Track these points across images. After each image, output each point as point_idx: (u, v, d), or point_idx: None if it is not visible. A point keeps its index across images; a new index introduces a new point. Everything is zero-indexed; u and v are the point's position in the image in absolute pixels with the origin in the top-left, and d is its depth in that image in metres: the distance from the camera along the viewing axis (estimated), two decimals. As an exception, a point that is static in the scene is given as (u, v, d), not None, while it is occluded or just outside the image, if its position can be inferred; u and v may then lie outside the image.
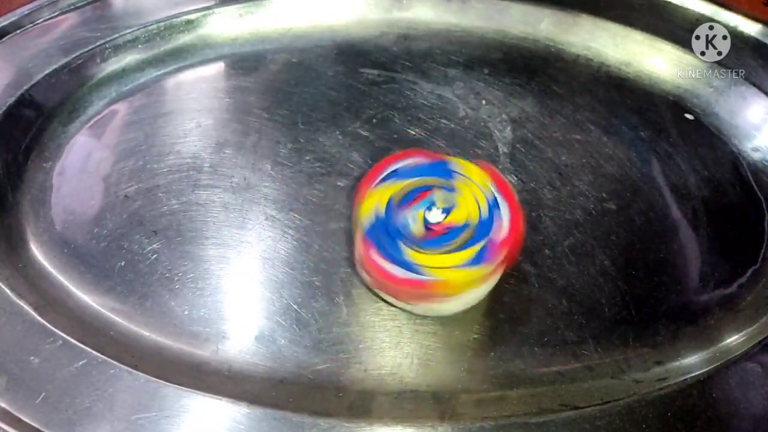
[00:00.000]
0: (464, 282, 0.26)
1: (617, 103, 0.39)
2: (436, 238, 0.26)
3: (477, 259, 0.26)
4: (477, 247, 0.26)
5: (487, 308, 0.29)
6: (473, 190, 0.27)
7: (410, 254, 0.26)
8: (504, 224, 0.27)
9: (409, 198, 0.27)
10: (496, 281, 0.28)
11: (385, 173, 0.28)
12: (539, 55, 0.42)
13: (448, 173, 0.28)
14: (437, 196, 0.27)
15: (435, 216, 0.27)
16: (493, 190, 0.28)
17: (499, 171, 0.29)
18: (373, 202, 0.27)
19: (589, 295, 0.30)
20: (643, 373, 0.27)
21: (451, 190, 0.27)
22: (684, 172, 0.36)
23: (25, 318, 0.27)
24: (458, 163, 0.28)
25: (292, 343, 0.28)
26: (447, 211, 0.27)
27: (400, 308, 0.29)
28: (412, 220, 0.27)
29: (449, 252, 0.26)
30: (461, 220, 0.27)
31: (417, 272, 0.26)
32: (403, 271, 0.26)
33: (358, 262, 0.28)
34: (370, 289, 0.29)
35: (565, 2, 0.43)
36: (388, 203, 0.27)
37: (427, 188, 0.28)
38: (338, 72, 0.40)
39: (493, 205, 0.27)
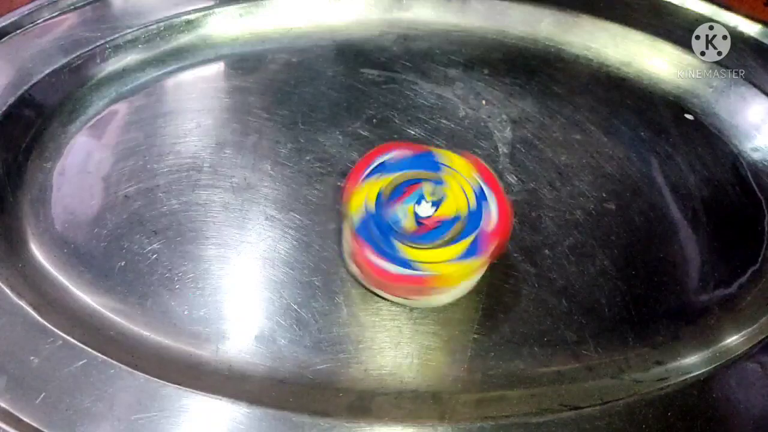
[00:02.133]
0: (460, 274, 0.26)
1: (617, 103, 0.39)
2: (428, 232, 0.27)
3: (470, 252, 0.26)
4: (469, 240, 0.26)
5: (487, 308, 0.29)
6: (460, 182, 0.28)
7: (404, 250, 0.26)
8: (493, 214, 0.27)
9: (397, 192, 0.28)
10: (485, 270, 0.29)
11: (371, 167, 0.28)
12: (539, 55, 0.42)
13: (435, 165, 0.28)
14: (426, 188, 0.28)
15: (425, 210, 0.27)
16: (479, 180, 0.28)
17: (483, 162, 0.29)
18: (362, 198, 0.27)
19: (589, 295, 0.30)
20: (643, 373, 0.27)
21: (439, 182, 0.28)
22: (684, 172, 0.36)
23: (25, 318, 0.27)
24: (443, 155, 0.29)
25: (292, 343, 0.28)
26: (436, 204, 0.27)
27: (395, 302, 0.29)
28: (403, 214, 0.27)
29: (442, 246, 0.26)
30: (451, 213, 0.27)
31: (413, 268, 0.26)
32: (399, 268, 0.26)
33: (349, 255, 0.29)
34: (366, 288, 0.29)
35: (565, 2, 0.43)
36: (378, 198, 0.27)
37: (415, 181, 0.28)
38: (338, 72, 0.40)
39: (481, 196, 0.27)
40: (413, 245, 0.26)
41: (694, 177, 0.35)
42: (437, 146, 0.36)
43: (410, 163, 0.28)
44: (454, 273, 0.26)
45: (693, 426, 0.25)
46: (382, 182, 0.28)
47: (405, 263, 0.26)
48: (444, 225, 0.27)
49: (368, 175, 0.28)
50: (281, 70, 0.40)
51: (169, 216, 0.32)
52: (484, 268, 0.28)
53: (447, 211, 0.27)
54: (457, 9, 0.44)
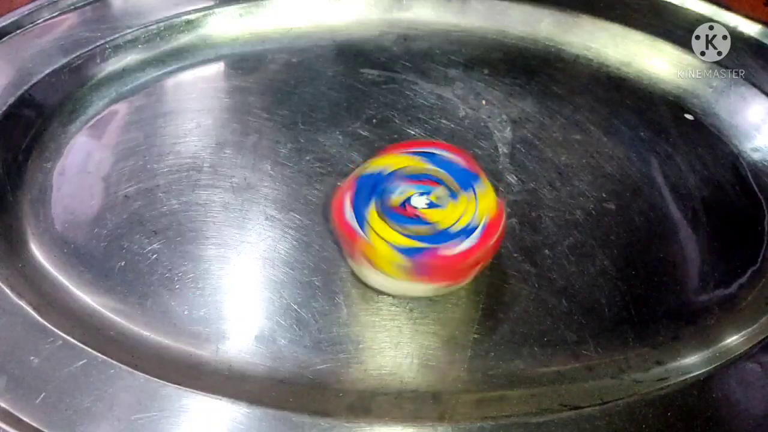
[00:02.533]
0: (385, 257, 0.26)
1: (617, 103, 0.39)
2: (402, 216, 0.27)
3: (410, 252, 0.26)
4: (419, 245, 0.26)
5: (487, 308, 0.29)
6: (468, 209, 0.27)
7: (370, 213, 0.27)
8: (458, 248, 0.26)
9: (416, 177, 0.28)
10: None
11: (423, 149, 0.29)
12: (539, 55, 0.42)
13: (469, 185, 0.28)
14: (438, 191, 0.27)
15: (419, 202, 0.27)
16: (484, 221, 0.27)
17: (504, 210, 0.28)
18: (389, 161, 0.28)
19: (589, 295, 0.30)
20: (643, 373, 0.27)
21: (454, 196, 0.27)
22: (684, 172, 0.36)
23: (25, 318, 0.27)
24: (483, 183, 0.28)
25: (292, 343, 0.28)
26: (432, 205, 0.27)
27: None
28: (399, 192, 0.27)
29: (400, 233, 0.26)
30: (433, 219, 0.27)
31: (360, 226, 0.26)
32: (352, 218, 0.27)
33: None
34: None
35: (565, 2, 0.43)
36: (398, 169, 0.28)
37: (438, 181, 0.28)
38: (338, 72, 0.40)
39: (469, 230, 0.27)
40: (382, 216, 0.26)
41: (694, 177, 0.35)
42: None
43: (454, 170, 0.28)
44: (382, 253, 0.26)
45: (693, 426, 0.25)
46: (416, 163, 0.28)
47: (361, 219, 0.26)
48: (418, 221, 0.27)
49: (413, 153, 0.29)
50: (281, 70, 0.40)
51: (169, 216, 0.32)
52: (435, 286, 0.28)
53: (432, 215, 0.27)
54: (457, 9, 0.44)
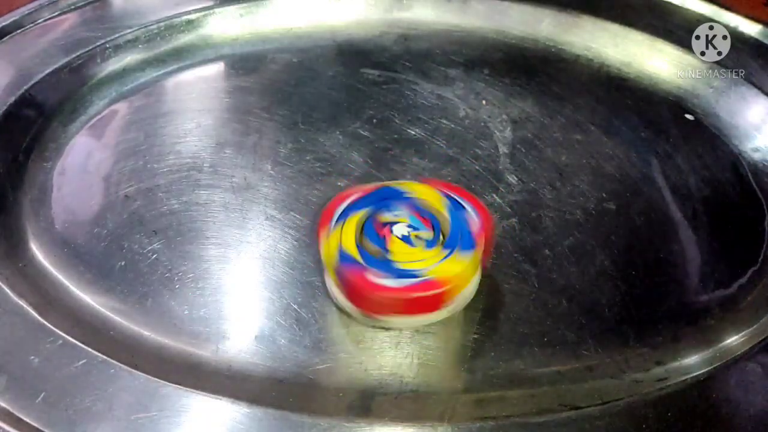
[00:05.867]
0: (329, 252, 0.26)
1: (617, 103, 0.39)
2: (373, 231, 0.26)
3: (345, 259, 0.25)
4: (358, 259, 0.25)
5: (487, 308, 0.29)
6: (428, 260, 0.26)
7: (354, 215, 0.26)
8: (378, 279, 0.25)
9: (423, 212, 0.27)
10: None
11: (457, 198, 0.28)
12: (539, 56, 0.42)
13: (455, 246, 0.26)
14: (423, 233, 0.27)
15: (398, 230, 0.27)
16: (426, 276, 0.26)
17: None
18: (419, 189, 0.28)
19: (589, 295, 0.30)
20: (643, 373, 0.27)
21: (431, 244, 0.27)
22: (684, 172, 0.36)
23: (25, 318, 0.27)
24: (469, 255, 0.26)
25: (292, 343, 0.28)
26: (405, 239, 0.27)
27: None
28: (394, 214, 0.27)
29: (356, 242, 0.26)
30: (393, 249, 0.26)
31: (338, 220, 0.26)
32: (339, 211, 0.26)
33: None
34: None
35: (565, 2, 0.43)
36: (417, 198, 0.27)
37: (436, 226, 0.27)
38: (338, 72, 0.40)
39: (405, 273, 0.26)
40: (358, 222, 0.26)
41: (694, 177, 0.35)
42: (437, 146, 0.36)
43: (460, 227, 0.27)
44: (330, 248, 0.26)
45: (693, 426, 0.25)
46: (436, 202, 0.27)
47: (344, 216, 0.26)
48: (381, 242, 0.26)
49: (444, 194, 0.28)
50: (281, 70, 0.40)
51: (169, 216, 0.32)
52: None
53: (396, 248, 0.26)
54: (457, 9, 0.44)
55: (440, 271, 0.26)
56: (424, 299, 0.26)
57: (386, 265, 0.26)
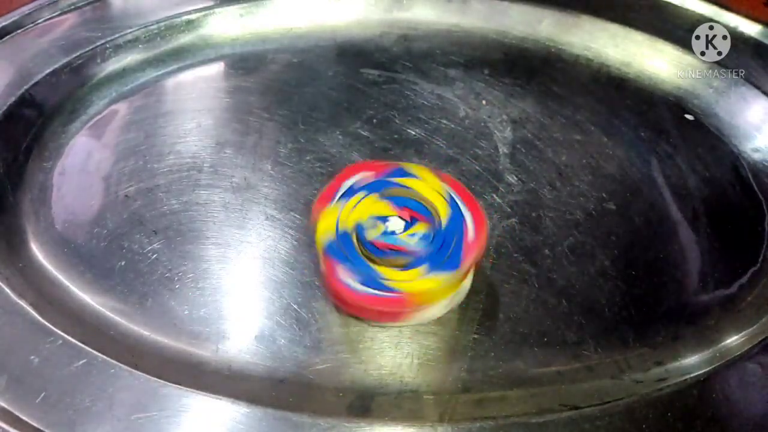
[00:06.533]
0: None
1: (617, 104, 0.39)
2: (393, 250, 0.26)
3: (449, 264, 0.25)
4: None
5: (487, 308, 0.29)
6: (431, 195, 0.26)
7: (357, 196, 0.26)
8: (470, 226, 0.26)
9: (420, 209, 0.27)
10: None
11: (341, 191, 0.27)
12: (539, 56, 0.42)
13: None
14: (418, 226, 0.26)
15: (396, 225, 0.26)
16: (451, 194, 0.27)
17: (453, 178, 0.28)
18: (333, 219, 0.26)
19: (589, 295, 0.30)
20: (643, 373, 0.27)
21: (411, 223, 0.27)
22: (684, 173, 0.36)
23: (25, 318, 0.27)
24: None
25: (292, 343, 0.28)
26: (408, 225, 0.26)
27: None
28: (371, 224, 0.26)
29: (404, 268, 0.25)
30: (423, 230, 0.26)
31: (386, 288, 0.25)
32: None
33: (326, 286, 0.28)
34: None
35: (565, 2, 0.43)
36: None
37: (427, 215, 0.27)
38: (338, 72, 0.40)
39: (455, 209, 0.26)
40: (381, 260, 0.25)
41: (694, 177, 0.35)
42: (437, 146, 0.36)
43: (378, 184, 0.27)
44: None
45: (693, 426, 0.25)
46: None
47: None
48: (401, 253, 0.26)
49: (339, 199, 0.27)
50: (282, 70, 0.40)
51: (169, 216, 0.32)
52: (467, 282, 0.28)
53: (420, 228, 0.26)
54: (457, 9, 0.44)
55: (411, 287, 0.25)
56: (384, 312, 0.26)
57: (364, 269, 0.25)
